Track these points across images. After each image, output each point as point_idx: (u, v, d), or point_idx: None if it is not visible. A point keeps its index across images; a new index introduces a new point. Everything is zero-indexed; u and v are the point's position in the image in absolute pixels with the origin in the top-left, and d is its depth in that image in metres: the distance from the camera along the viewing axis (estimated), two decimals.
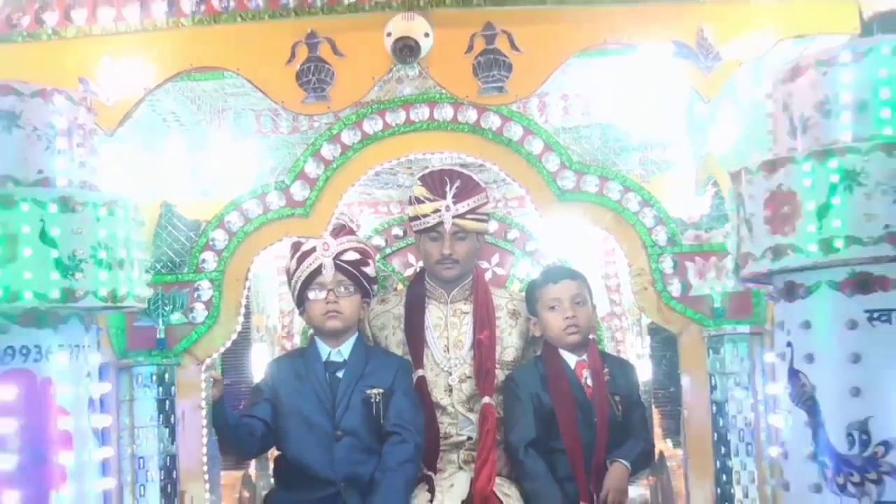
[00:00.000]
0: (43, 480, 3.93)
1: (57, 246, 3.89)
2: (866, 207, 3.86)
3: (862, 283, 3.98)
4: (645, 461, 5.80)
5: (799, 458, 4.10)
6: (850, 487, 3.81)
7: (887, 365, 4.00)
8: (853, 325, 4.00)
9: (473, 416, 5.89)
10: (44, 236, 3.87)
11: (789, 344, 4.21)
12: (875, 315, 4.00)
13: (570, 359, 5.71)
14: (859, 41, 4.23)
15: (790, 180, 4.06)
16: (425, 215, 5.89)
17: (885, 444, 3.81)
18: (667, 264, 5.26)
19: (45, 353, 3.99)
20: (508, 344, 6.05)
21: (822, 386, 4.12)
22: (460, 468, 5.84)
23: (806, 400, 4.15)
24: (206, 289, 5.17)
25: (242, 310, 5.38)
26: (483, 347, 5.95)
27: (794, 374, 4.18)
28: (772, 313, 4.59)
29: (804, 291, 4.13)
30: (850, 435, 3.91)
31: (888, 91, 4.00)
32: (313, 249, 5.68)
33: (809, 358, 4.11)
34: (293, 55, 4.98)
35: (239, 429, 5.57)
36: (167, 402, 5.07)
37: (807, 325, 4.12)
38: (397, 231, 6.67)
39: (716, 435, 5.06)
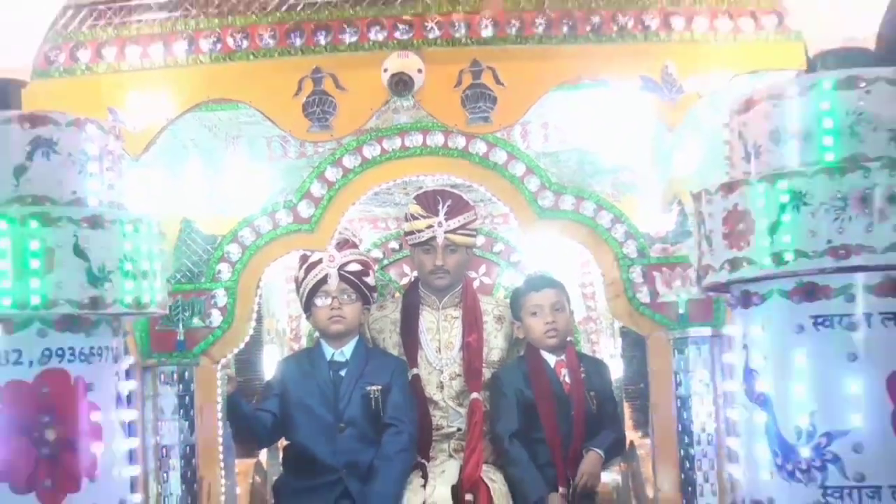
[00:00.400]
0: (76, 468, 3.90)
1: (88, 259, 3.88)
2: (811, 225, 3.86)
3: (808, 292, 3.98)
4: (617, 450, 5.81)
5: (753, 449, 4.12)
6: (798, 474, 3.80)
7: (830, 364, 3.99)
8: (801, 329, 4.00)
9: (463, 410, 5.91)
10: (77, 250, 3.85)
11: (745, 346, 4.22)
12: (819, 320, 4.00)
13: (550, 359, 5.73)
14: (805, 77, 4.24)
15: (745, 201, 4.06)
16: (420, 231, 5.90)
17: (828, 435, 3.77)
18: (636, 274, 5.25)
19: (77, 355, 3.97)
20: (494, 345, 6.07)
21: (773, 383, 4.14)
22: (451, 456, 5.87)
23: (759, 396, 4.18)
24: (221, 296, 5.16)
25: (254, 315, 5.40)
26: (471, 349, 5.98)
27: (749, 372, 4.20)
28: (729, 318, 4.52)
29: (758, 299, 4.15)
30: (798, 428, 3.90)
31: (830, 121, 3.99)
32: (319, 261, 5.70)
33: (763, 359, 4.13)
34: (300, 88, 4.96)
35: (251, 421, 5.59)
36: (187, 398, 5.07)
37: (761, 328, 4.15)
38: (394, 244, 6.76)
39: (680, 426, 5.06)
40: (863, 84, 3.94)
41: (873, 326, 3.90)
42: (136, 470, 4.24)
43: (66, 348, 3.94)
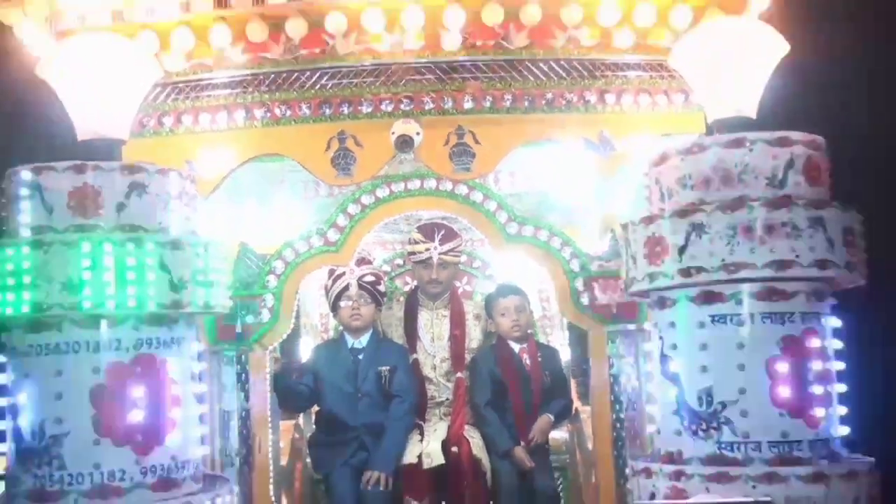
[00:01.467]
0: (161, 429, 3.89)
1: (170, 272, 3.87)
2: (709, 248, 3.92)
3: (707, 297, 4.03)
4: (565, 415, 5.83)
5: (667, 413, 4.14)
6: (700, 432, 3.88)
7: (723, 351, 4.03)
8: (702, 325, 4.06)
9: (450, 385, 5.90)
10: (162, 265, 3.85)
11: (660, 337, 4.26)
12: (716, 318, 4.06)
13: (516, 347, 5.73)
14: (704, 138, 4.25)
15: (660, 230, 4.11)
16: (420, 252, 5.87)
17: (722, 404, 3.87)
18: (580, 284, 5.19)
19: (162, 343, 3.96)
20: (473, 337, 6.05)
21: (681, 365, 4.17)
22: (441, 419, 5.85)
23: (671, 374, 4.22)
24: (269, 300, 5.09)
25: (294, 313, 5.33)
26: (456, 340, 5.98)
27: (663, 357, 4.24)
28: (649, 316, 4.53)
29: (670, 302, 4.20)
30: (699, 398, 3.91)
31: (718, 174, 4.01)
32: (343, 273, 5.68)
33: (673, 347, 4.18)
34: (328, 146, 4.97)
35: (292, 392, 5.55)
36: (243, 375, 5.01)
37: (672, 325, 4.19)
38: (399, 261, 6.74)
39: (612, 397, 5.01)
40: (747, 143, 4.00)
41: (755, 323, 3.96)
42: (205, 429, 4.22)
43: (153, 338, 3.92)
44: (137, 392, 3.80)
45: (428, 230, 5.88)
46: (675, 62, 4.46)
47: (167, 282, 3.81)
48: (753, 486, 3.69)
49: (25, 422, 3.73)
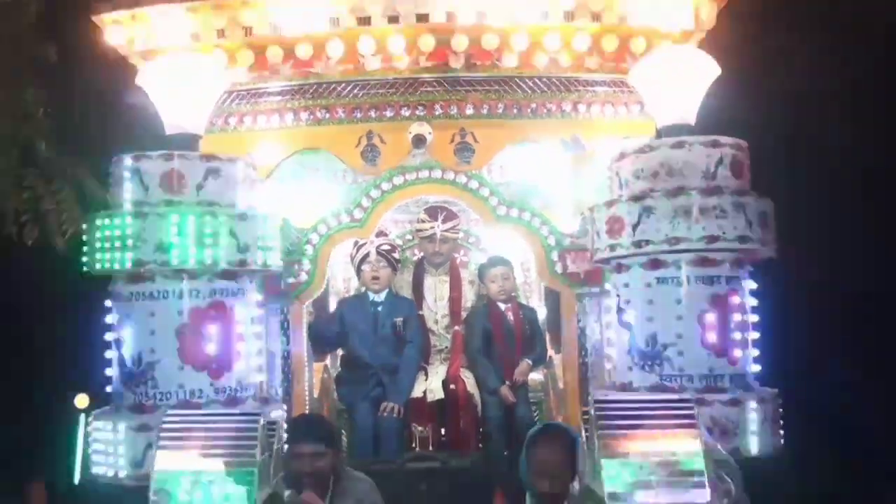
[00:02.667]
0: (229, 359, 4.08)
1: (238, 239, 4.05)
2: (656, 226, 4.09)
3: (654, 264, 4.18)
4: (541, 361, 5.78)
5: (621, 353, 4.31)
6: (647, 367, 4.10)
7: (666, 306, 4.17)
8: (649, 285, 4.20)
9: (448, 336, 5.88)
10: (231, 233, 4.02)
11: (618, 295, 4.39)
12: (660, 280, 4.20)
13: (502, 306, 5.67)
14: (654, 140, 4.41)
15: (619, 211, 4.27)
16: (426, 229, 5.85)
17: (664, 346, 4.10)
18: (555, 255, 5.17)
19: (229, 293, 4.12)
20: (468, 298, 5.98)
21: (633, 316, 4.31)
22: (441, 363, 5.83)
23: (625, 323, 4.36)
24: (307, 264, 5.08)
25: (326, 276, 5.31)
26: (454, 300, 5.96)
27: (619, 310, 4.39)
28: (609, 280, 4.64)
29: (625, 268, 4.33)
30: (646, 341, 4.13)
31: (664, 168, 4.20)
32: (365, 244, 5.62)
33: (627, 302, 4.31)
34: (359, 142, 5.06)
35: (323, 336, 5.53)
36: (286, 323, 4.95)
37: (626, 285, 4.32)
38: (409, 237, 6.54)
39: (579, 346, 5.01)
40: (687, 145, 4.18)
41: (690, 284, 4.14)
42: (262, 360, 4.37)
43: (224, 289, 4.10)
44: (212, 330, 4.01)
45: (432, 212, 5.83)
46: (633, 80, 4.58)
47: (235, 246, 4.02)
48: None
49: (127, 352, 3.97)
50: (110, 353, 4.07)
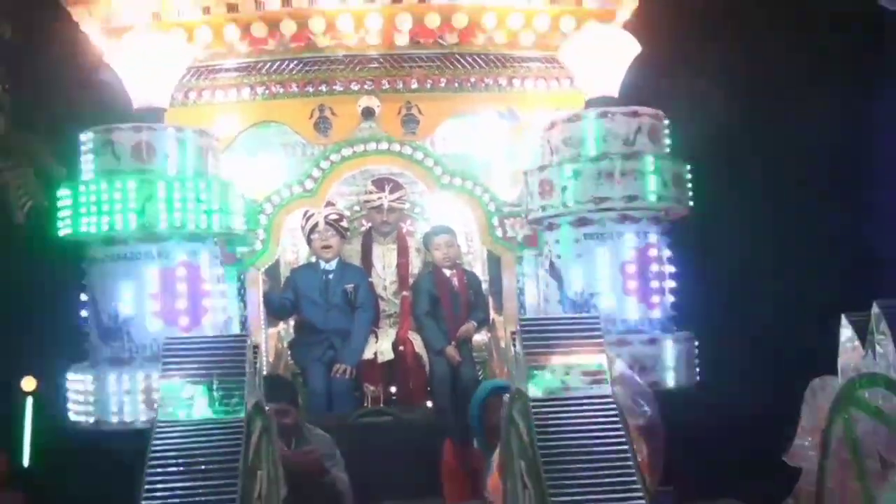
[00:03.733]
0: (197, 315, 4.55)
1: (204, 204, 4.52)
2: (583, 188, 4.62)
3: (581, 221, 4.72)
4: (484, 323, 6.15)
5: (552, 302, 4.74)
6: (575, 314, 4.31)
7: (591, 258, 4.68)
8: (577, 241, 4.72)
9: (397, 301, 6.26)
10: (198, 199, 4.48)
11: (549, 251, 4.88)
12: (587, 236, 4.73)
13: (447, 272, 6.05)
14: (581, 111, 4.90)
15: (550, 175, 4.79)
16: (373, 200, 6.21)
17: (591, 294, 4.56)
18: (495, 221, 5.40)
19: (196, 253, 4.61)
20: (415, 265, 6.37)
21: (564, 269, 4.79)
22: (391, 327, 6.19)
23: (557, 275, 4.83)
24: (261, 233, 5.29)
25: (279, 244, 5.50)
26: (402, 267, 6.35)
27: (551, 264, 4.88)
28: (543, 237, 4.98)
29: (556, 226, 4.83)
30: (575, 291, 4.61)
31: (590, 136, 4.73)
32: (314, 214, 5.93)
33: (558, 256, 4.81)
34: (312, 115, 5.43)
35: (278, 305, 5.83)
36: (242, 290, 5.21)
37: (557, 241, 4.82)
38: (357, 208, 6.79)
39: (518, 304, 5.32)
40: (610, 115, 4.72)
41: (614, 238, 4.69)
42: (226, 316, 4.77)
43: (191, 250, 4.59)
44: (181, 287, 4.49)
45: (380, 183, 6.17)
46: (563, 57, 5.06)
47: (201, 210, 4.48)
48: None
49: (104, 310, 4.44)
50: (85, 313, 4.53)
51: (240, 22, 5.22)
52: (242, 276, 5.25)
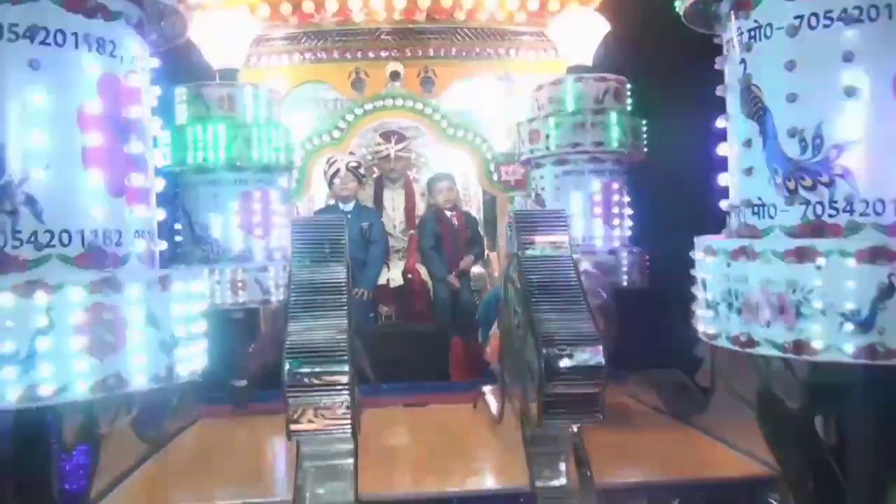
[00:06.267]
0: (268, 228, 6.25)
1: (272, 143, 6.12)
2: (563, 134, 6.20)
3: (560, 161, 6.28)
4: (480, 256, 7.60)
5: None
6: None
7: (568, 191, 6.24)
8: (556, 177, 6.30)
9: (405, 238, 7.77)
10: (269, 139, 6.11)
11: (535, 185, 6.43)
12: (565, 172, 6.24)
13: (448, 213, 7.39)
14: (562, 77, 6.35)
15: (537, 126, 6.33)
16: (382, 151, 7.84)
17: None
18: (493, 167, 6.93)
19: (267, 182, 6.22)
20: (420, 208, 7.82)
21: (547, 199, 6.27)
22: (400, 259, 7.57)
23: (542, 204, 6.34)
24: (296, 173, 6.62)
25: (309, 186, 6.99)
26: (409, 209, 7.92)
27: (536, 195, 6.42)
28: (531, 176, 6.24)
29: (541, 165, 6.37)
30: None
31: (568, 96, 6.21)
32: (336, 160, 7.24)
33: (542, 189, 6.35)
34: (349, 76, 7.22)
35: None
36: None
37: (542, 177, 6.38)
38: (369, 157, 8.21)
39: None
40: (584, 80, 6.26)
41: (585, 175, 6.29)
42: (287, 232, 6.11)
43: (262, 179, 6.28)
44: (256, 206, 6.23)
45: (386, 136, 7.70)
46: (550, 32, 6.62)
47: (272, 148, 6.18)
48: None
49: (197, 222, 6.26)
50: (179, 225, 6.25)
51: (292, 0, 6.98)
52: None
